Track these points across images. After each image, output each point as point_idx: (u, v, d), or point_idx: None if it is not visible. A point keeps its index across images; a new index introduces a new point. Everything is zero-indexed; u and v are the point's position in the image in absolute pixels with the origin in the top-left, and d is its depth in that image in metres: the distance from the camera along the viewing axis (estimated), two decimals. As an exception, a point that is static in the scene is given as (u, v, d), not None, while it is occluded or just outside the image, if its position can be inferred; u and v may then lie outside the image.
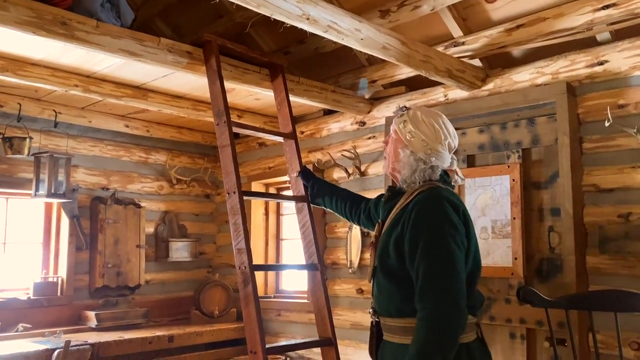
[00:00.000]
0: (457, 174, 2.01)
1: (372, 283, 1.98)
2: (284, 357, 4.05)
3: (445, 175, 1.98)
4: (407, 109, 2.04)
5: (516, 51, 3.23)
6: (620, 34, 2.83)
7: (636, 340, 2.59)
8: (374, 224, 2.23)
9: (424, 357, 1.63)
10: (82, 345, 3.36)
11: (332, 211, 2.72)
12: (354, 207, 2.53)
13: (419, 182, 1.89)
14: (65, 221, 4.11)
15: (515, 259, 3.07)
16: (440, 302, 1.67)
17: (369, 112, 3.91)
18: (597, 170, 2.83)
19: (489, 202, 3.24)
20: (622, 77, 2.79)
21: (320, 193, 2.77)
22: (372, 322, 1.99)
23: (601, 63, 2.86)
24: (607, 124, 2.71)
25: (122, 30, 2.69)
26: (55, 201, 4.02)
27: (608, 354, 2.63)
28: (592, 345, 2.45)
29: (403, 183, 1.94)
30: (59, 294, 4.02)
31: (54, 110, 3.85)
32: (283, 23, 2.44)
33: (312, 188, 2.83)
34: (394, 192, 2.01)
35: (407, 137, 1.95)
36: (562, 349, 2.71)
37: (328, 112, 4.19)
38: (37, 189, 3.77)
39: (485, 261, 3.20)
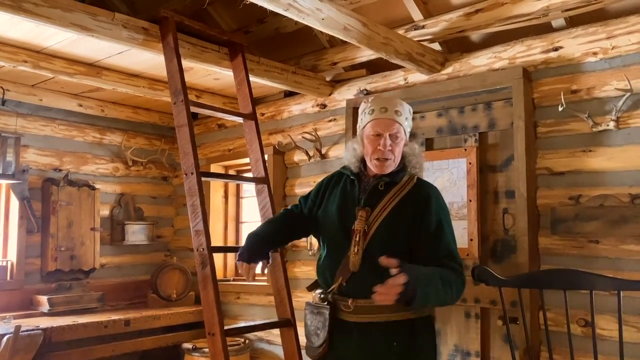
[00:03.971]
0: None
1: (355, 269, 1.99)
2: (242, 339, 4.04)
3: None
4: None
5: (475, 35, 3.27)
6: (575, 21, 2.90)
7: (583, 317, 2.70)
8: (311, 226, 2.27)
9: (449, 291, 1.89)
10: (33, 330, 3.26)
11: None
12: (290, 231, 2.35)
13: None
14: (14, 203, 3.95)
15: (471, 240, 3.14)
16: (462, 273, 1.97)
17: (330, 95, 3.90)
18: (551, 154, 2.91)
19: (446, 185, 3.29)
20: (575, 63, 2.86)
21: (265, 248, 2.27)
22: (327, 308, 2.03)
23: (556, 49, 2.92)
24: (560, 109, 2.79)
25: (73, 3, 2.57)
26: (3, 182, 3.87)
27: (557, 330, 2.73)
28: (543, 322, 2.54)
29: (412, 170, 2.12)
30: (8, 278, 3.89)
31: (2, 87, 3.69)
32: (242, 0, 2.39)
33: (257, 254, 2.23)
34: (387, 182, 2.09)
35: (408, 131, 2.15)
36: (515, 327, 2.80)
37: (289, 94, 4.16)
38: (-17, 169, 3.62)
39: (442, 242, 3.27)
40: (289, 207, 2.44)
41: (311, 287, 2.22)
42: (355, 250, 1.99)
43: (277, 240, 2.35)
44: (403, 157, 2.11)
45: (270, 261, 2.27)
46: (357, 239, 1.99)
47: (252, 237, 2.22)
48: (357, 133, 2.20)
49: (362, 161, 2.15)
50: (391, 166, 2.07)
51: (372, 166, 2.09)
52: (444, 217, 2.03)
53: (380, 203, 2.04)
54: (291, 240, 2.54)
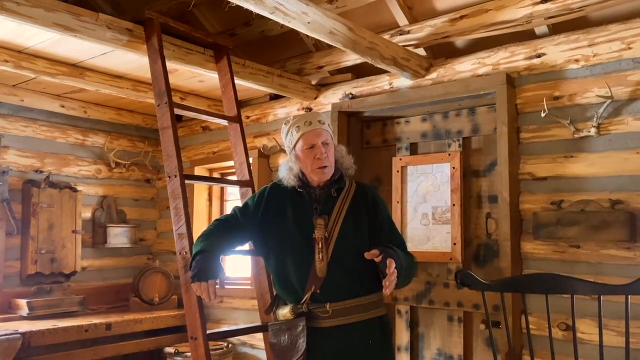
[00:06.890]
0: None
1: (323, 274, 2.04)
2: (225, 343, 4.01)
3: None
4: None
5: (459, 41, 3.30)
6: (557, 28, 2.94)
7: (564, 321, 2.72)
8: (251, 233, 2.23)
9: (412, 271, 2.14)
10: (11, 334, 3.21)
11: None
12: (230, 243, 2.25)
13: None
14: (-6, 205, 3.90)
15: (454, 244, 3.16)
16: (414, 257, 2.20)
17: (315, 98, 3.90)
18: (533, 159, 2.94)
19: (430, 189, 3.31)
20: (557, 70, 2.89)
21: (217, 263, 2.10)
22: (303, 319, 2.03)
23: (539, 55, 2.96)
24: (543, 115, 2.82)
25: (57, 3, 2.54)
26: (-18, 184, 3.80)
27: (539, 334, 2.75)
28: (525, 326, 2.55)
29: (346, 172, 2.22)
30: (-14, 281, 3.82)
31: (-18, 87, 3.64)
32: (228, 3, 2.39)
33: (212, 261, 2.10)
34: (337, 188, 2.17)
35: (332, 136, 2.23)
36: (497, 330, 2.82)
37: (274, 97, 4.15)
38: (-38, 170, 3.56)
39: (425, 246, 3.30)
40: (221, 217, 2.35)
41: (271, 309, 2.22)
42: (320, 257, 2.05)
43: (223, 252, 2.23)
44: (335, 161, 2.19)
45: (225, 274, 2.20)
46: (320, 246, 2.06)
47: (201, 254, 2.04)
48: (289, 153, 2.22)
49: (301, 176, 2.17)
50: (330, 172, 2.15)
51: (314, 176, 2.14)
52: (388, 213, 2.28)
53: (334, 209, 2.13)
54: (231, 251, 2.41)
